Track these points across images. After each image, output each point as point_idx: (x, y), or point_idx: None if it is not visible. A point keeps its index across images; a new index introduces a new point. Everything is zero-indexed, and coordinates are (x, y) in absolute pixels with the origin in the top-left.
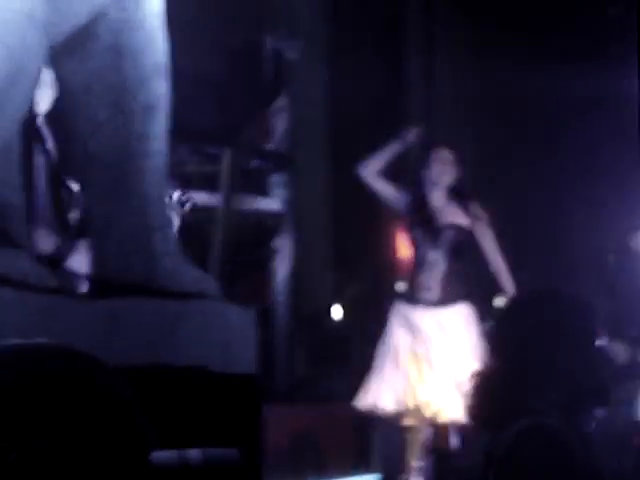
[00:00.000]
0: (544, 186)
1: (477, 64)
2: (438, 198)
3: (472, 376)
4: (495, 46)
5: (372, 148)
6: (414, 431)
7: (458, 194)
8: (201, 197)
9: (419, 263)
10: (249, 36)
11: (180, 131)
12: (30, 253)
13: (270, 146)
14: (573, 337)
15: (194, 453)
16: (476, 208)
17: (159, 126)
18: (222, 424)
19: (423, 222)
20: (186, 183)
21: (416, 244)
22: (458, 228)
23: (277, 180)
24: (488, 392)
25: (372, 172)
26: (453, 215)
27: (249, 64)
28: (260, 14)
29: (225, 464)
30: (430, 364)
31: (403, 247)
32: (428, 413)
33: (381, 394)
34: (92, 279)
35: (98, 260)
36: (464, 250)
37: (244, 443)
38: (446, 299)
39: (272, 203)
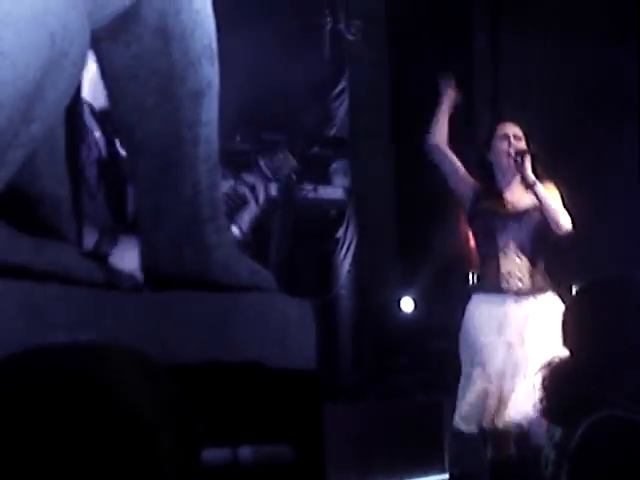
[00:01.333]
0: (621, 170)
1: (545, 44)
2: (509, 180)
3: (543, 367)
4: (564, 25)
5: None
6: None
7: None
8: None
9: (501, 251)
10: (308, 18)
11: (238, 118)
12: (77, 247)
13: (330, 132)
14: None
15: (245, 450)
16: (546, 183)
17: (210, 112)
18: (280, 423)
19: (499, 207)
20: (245, 171)
21: (491, 232)
22: (537, 211)
23: (338, 167)
24: (561, 384)
25: (442, 140)
26: (527, 198)
27: (308, 47)
28: None
29: (278, 461)
30: (527, 363)
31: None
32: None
33: (477, 411)
34: (142, 272)
35: (148, 253)
36: (545, 236)
37: (304, 443)
38: (538, 288)
39: (334, 191)
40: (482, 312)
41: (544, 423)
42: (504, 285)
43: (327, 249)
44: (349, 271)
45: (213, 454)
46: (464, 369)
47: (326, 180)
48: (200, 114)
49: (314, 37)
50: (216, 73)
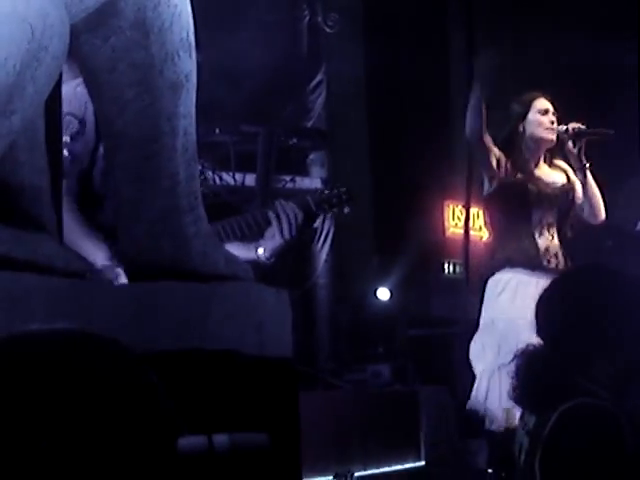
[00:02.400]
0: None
1: (518, 36)
2: (538, 156)
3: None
4: (536, 17)
5: (411, 124)
6: None
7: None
8: (238, 177)
9: (535, 228)
10: (286, 11)
11: (216, 110)
12: (57, 237)
13: (308, 124)
14: (622, 313)
15: (221, 438)
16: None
17: (188, 104)
18: (257, 411)
19: (533, 184)
20: (223, 163)
21: (526, 208)
22: (569, 192)
23: (316, 158)
24: (534, 373)
25: (482, 134)
26: (556, 177)
27: (286, 39)
28: None
29: (253, 449)
30: None
31: (451, 225)
32: None
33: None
34: (122, 263)
35: (128, 243)
36: (573, 215)
37: (280, 429)
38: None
39: (311, 182)
40: (527, 289)
41: None
42: (545, 263)
43: (305, 239)
44: (326, 261)
45: (189, 441)
46: (497, 353)
47: (304, 171)
48: (178, 106)
49: (292, 30)
50: (194, 66)
